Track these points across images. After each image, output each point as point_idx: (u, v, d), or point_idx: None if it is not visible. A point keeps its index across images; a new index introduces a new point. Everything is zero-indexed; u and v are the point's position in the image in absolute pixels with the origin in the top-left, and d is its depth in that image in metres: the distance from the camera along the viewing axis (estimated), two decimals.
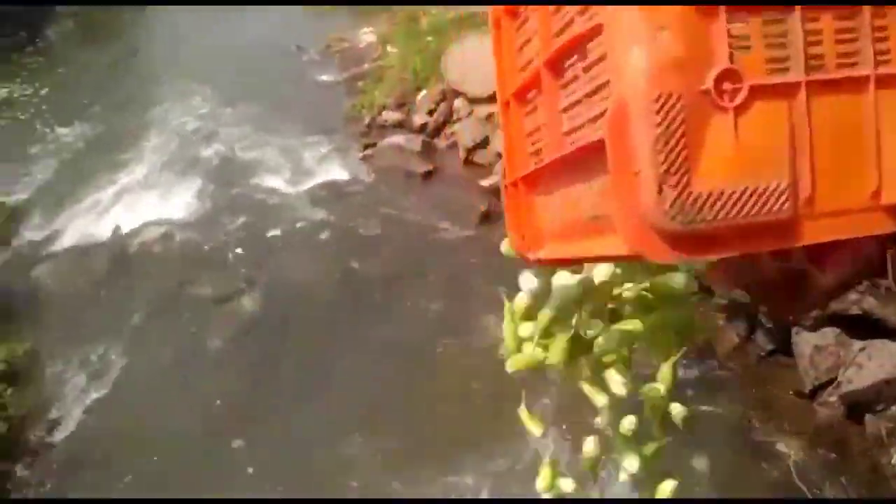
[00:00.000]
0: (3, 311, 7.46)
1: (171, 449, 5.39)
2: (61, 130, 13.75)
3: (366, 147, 9.45)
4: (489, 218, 7.05)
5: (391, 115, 9.83)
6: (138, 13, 24.50)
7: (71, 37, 22.38)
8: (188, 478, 5.09)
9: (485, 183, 7.46)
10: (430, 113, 9.27)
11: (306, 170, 9.37)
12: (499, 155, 7.76)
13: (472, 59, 9.07)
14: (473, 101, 8.59)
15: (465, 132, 8.34)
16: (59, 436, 5.72)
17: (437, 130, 9.01)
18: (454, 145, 8.58)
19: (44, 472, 5.41)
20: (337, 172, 9.06)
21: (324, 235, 7.73)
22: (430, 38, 10.78)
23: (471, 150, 8.14)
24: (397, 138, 9.19)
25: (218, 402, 5.78)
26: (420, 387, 5.55)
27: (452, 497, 4.71)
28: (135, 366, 6.35)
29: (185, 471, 5.17)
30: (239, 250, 7.87)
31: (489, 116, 8.23)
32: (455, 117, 8.89)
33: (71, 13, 28.58)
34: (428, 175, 8.25)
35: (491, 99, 8.29)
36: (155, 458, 5.35)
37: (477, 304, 5.97)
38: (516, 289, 1.57)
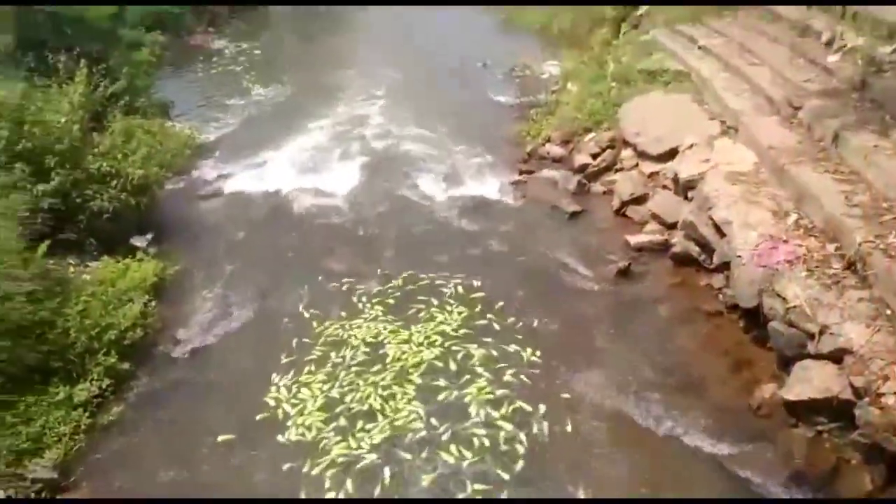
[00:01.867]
0: (167, 233, 8.18)
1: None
2: (258, 89, 14.97)
3: (521, 173, 9.42)
4: (627, 276, 6.73)
5: (554, 149, 9.73)
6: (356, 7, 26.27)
7: (290, 10, 24.44)
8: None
9: (632, 239, 7.14)
10: (594, 156, 9.06)
11: (459, 179, 9.49)
12: (653, 215, 7.42)
13: (651, 115, 8.78)
14: (642, 155, 8.29)
15: (624, 183, 8.05)
16: (179, 353, 6.14)
17: (596, 175, 8.79)
18: (609, 193, 8.33)
19: (159, 382, 5.81)
20: (487, 189, 9.09)
21: (457, 243, 7.71)
22: (613, 84, 10.57)
23: (625, 203, 7.84)
24: (554, 172, 9.07)
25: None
26: None
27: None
28: (258, 315, 6.68)
29: None
30: (376, 232, 8.07)
31: (653, 174, 7.91)
32: (618, 166, 8.63)
33: None
34: (574, 215, 8.04)
35: (661, 157, 7.99)
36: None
37: (584, 361, 5.72)
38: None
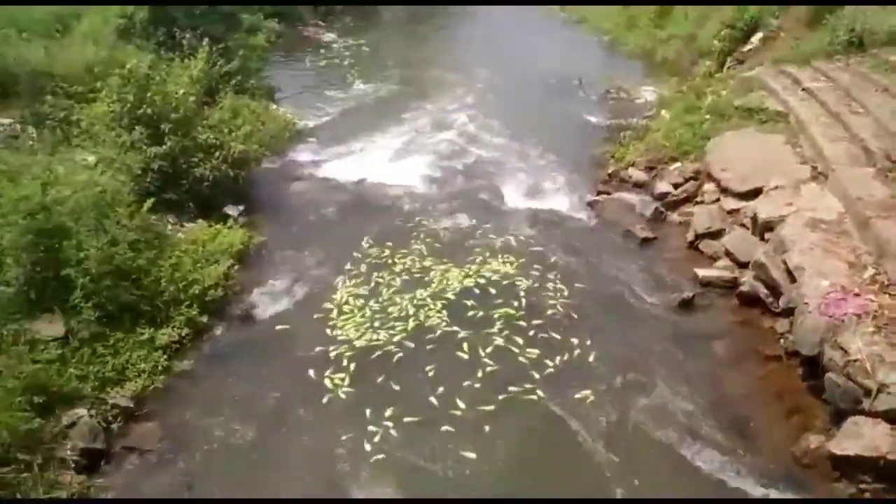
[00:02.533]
0: (257, 206, 8.78)
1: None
2: (360, 83, 15.64)
3: (599, 193, 9.46)
4: (690, 307, 6.69)
5: (636, 174, 9.71)
6: (464, 10, 26.88)
7: (400, 11, 25.28)
8: None
9: (701, 273, 7.08)
10: (676, 186, 9.00)
11: (538, 191, 9.65)
12: (726, 251, 7.33)
13: (741, 151, 8.63)
14: (725, 190, 8.16)
15: (702, 216, 7.97)
16: (252, 313, 6.66)
17: (675, 205, 8.72)
18: (685, 224, 8.26)
19: (232, 337, 6.32)
20: (564, 204, 9.21)
21: (526, 251, 7.87)
22: (707, 117, 10.43)
23: (700, 236, 7.77)
24: (633, 196, 9.08)
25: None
26: None
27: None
28: (322, 292, 7.11)
29: None
30: (447, 235, 8.33)
31: (733, 211, 7.79)
32: (698, 199, 8.54)
33: None
34: (646, 241, 8.03)
35: (744, 195, 7.87)
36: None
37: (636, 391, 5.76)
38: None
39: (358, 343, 6.22)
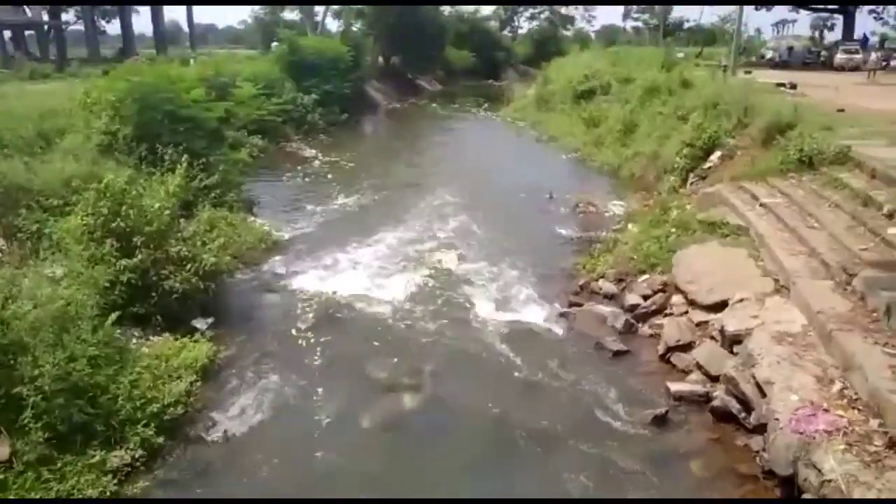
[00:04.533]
0: (227, 319, 8.66)
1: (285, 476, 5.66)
2: (339, 197, 16.05)
3: (571, 305, 9.50)
4: (664, 424, 6.54)
5: (606, 286, 9.82)
6: (446, 119, 28.10)
7: (380, 125, 26.50)
8: None
9: (674, 387, 6.98)
10: (645, 298, 9.08)
11: (510, 304, 9.66)
12: (698, 364, 7.29)
13: (706, 264, 8.82)
14: (692, 303, 8.26)
15: (672, 329, 7.98)
16: (212, 435, 6.34)
17: (645, 317, 8.76)
18: (656, 337, 8.25)
19: (188, 461, 5.99)
20: (536, 316, 9.20)
21: (499, 366, 7.80)
22: (673, 230, 10.74)
23: (671, 349, 7.74)
24: (604, 308, 9.12)
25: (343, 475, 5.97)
26: None
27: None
28: (291, 415, 6.88)
29: None
30: (418, 348, 8.26)
31: (701, 324, 7.83)
32: (667, 311, 8.60)
33: (391, 110, 33.74)
34: (618, 355, 7.98)
35: (711, 308, 7.95)
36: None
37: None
38: None
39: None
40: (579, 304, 9.49)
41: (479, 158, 21.62)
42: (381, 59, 45.72)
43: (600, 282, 10.04)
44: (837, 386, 5.57)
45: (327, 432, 6.58)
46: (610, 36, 73.77)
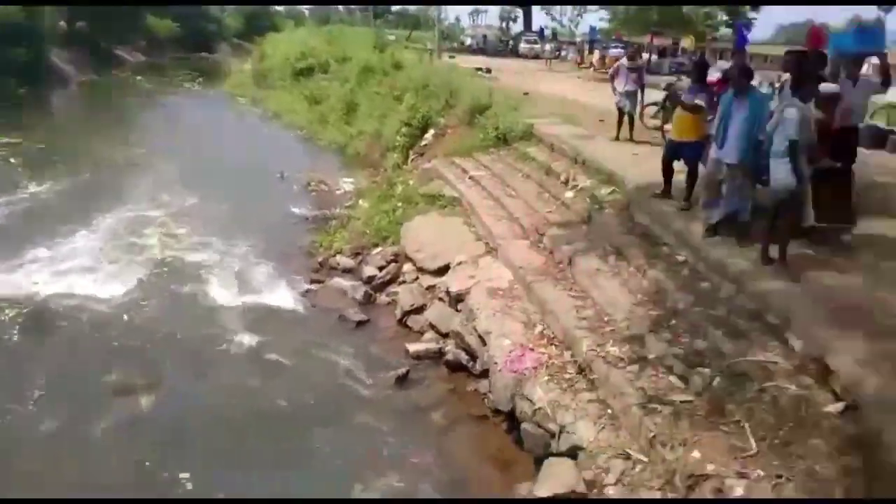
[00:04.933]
0: None
1: None
2: (31, 185, 13.52)
3: (312, 282, 9.49)
4: (406, 382, 6.97)
5: (344, 261, 10.01)
6: (151, 97, 25.15)
7: (74, 101, 22.77)
8: None
9: (412, 347, 7.46)
10: (380, 269, 9.49)
11: (250, 287, 9.26)
12: (431, 324, 7.88)
13: (430, 234, 9.52)
14: (421, 269, 8.87)
15: (406, 295, 8.49)
16: None
17: (382, 286, 9.16)
18: (393, 304, 8.70)
19: None
20: (278, 298, 8.97)
21: (243, 351, 7.49)
22: (399, 204, 11.33)
23: (407, 313, 8.24)
24: (344, 282, 9.29)
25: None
26: None
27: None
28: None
29: None
30: (151, 345, 7.51)
31: (430, 287, 8.46)
32: (401, 279, 9.10)
33: (86, 83, 29.32)
34: (361, 324, 8.24)
35: (436, 272, 8.61)
36: None
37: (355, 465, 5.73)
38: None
39: None
40: (320, 281, 9.52)
41: (202, 136, 20.01)
42: (63, 23, 38.69)
43: (338, 257, 10.18)
44: (539, 328, 6.51)
45: (49, 446, 5.64)
46: (323, 15, 73.61)
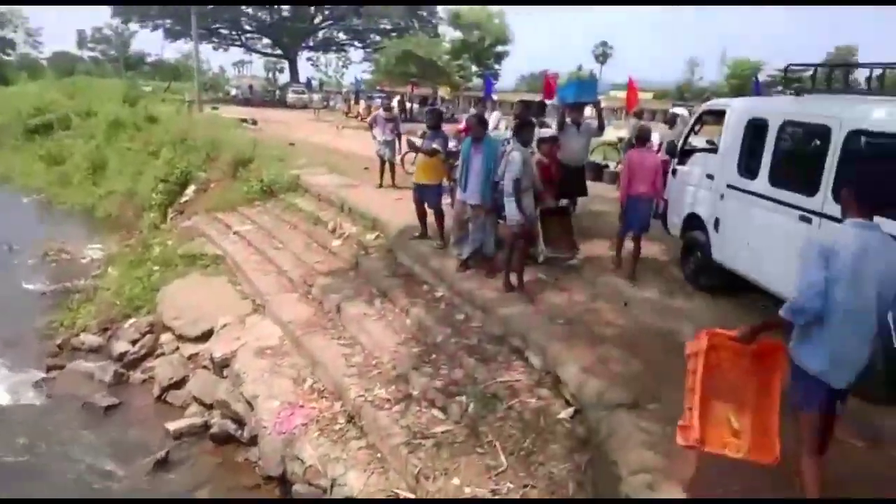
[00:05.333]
0: None
1: None
2: None
3: (49, 369, 8.20)
4: (166, 465, 6.29)
5: (90, 339, 8.85)
6: None
7: None
8: None
9: (172, 426, 6.77)
10: (134, 343, 8.56)
11: None
12: (194, 397, 7.27)
13: (190, 297, 8.87)
14: (181, 337, 8.19)
15: (164, 368, 7.74)
16: None
17: (136, 362, 8.25)
18: (150, 381, 7.87)
19: None
20: (3, 394, 7.60)
21: None
22: (155, 269, 10.42)
23: (166, 388, 7.50)
24: (89, 364, 8.17)
25: None
26: None
27: None
28: None
29: None
30: None
31: (192, 356, 7.85)
32: (159, 352, 8.30)
33: None
34: (111, 409, 7.29)
35: (198, 339, 8.03)
36: None
37: None
38: None
39: None
40: (60, 366, 8.28)
41: None
42: None
43: (82, 336, 8.98)
44: (309, 382, 6.38)
45: None
46: (66, 65, 66.21)
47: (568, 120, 8.21)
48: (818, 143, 5.04)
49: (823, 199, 4.80)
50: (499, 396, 5.13)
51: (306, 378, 6.48)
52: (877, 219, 3.05)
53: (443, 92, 32.85)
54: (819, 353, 3.04)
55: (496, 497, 4.22)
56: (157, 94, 31.36)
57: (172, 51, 77.05)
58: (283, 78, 59.83)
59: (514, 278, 6.58)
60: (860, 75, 6.72)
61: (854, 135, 4.60)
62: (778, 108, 5.75)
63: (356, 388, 5.79)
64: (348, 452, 5.31)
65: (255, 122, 23.13)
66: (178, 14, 40.89)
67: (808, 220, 4.93)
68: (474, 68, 39.08)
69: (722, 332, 3.32)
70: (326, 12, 53.54)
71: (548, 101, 10.68)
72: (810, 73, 6.26)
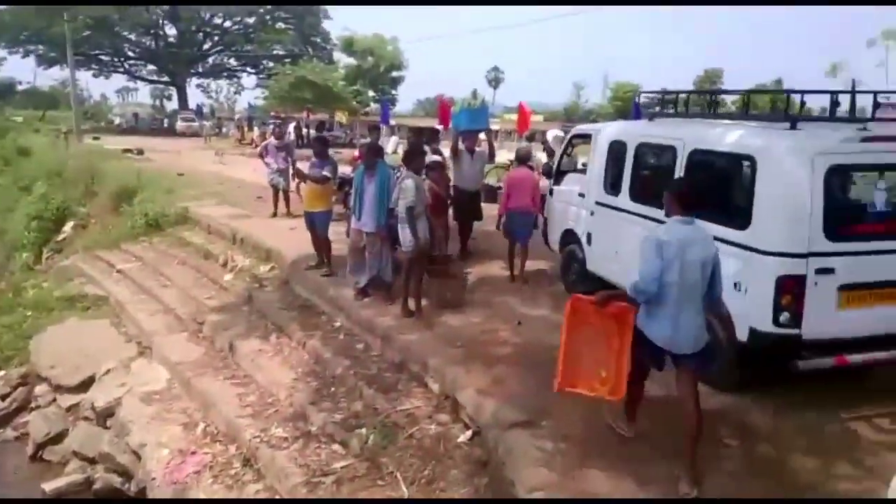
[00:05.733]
0: None
1: None
2: None
3: None
4: None
5: None
6: None
7: None
8: None
9: (49, 486, 6.19)
10: (4, 397, 7.80)
11: None
12: (74, 452, 6.70)
13: (68, 343, 8.19)
14: (58, 388, 7.54)
15: (39, 423, 7.09)
16: None
17: (7, 419, 7.52)
18: (24, 437, 7.19)
19: None
20: None
21: None
22: (28, 314, 9.56)
23: (42, 445, 6.87)
24: None
25: None
26: None
27: None
28: None
29: None
30: None
31: (72, 407, 7.24)
32: (33, 405, 7.60)
33: None
34: None
35: (79, 388, 7.44)
36: None
37: None
38: None
39: None
40: None
41: None
42: None
43: None
44: (201, 426, 6.04)
45: None
46: None
47: (462, 147, 8.35)
48: (667, 161, 5.57)
49: None
50: (399, 425, 5.09)
51: (198, 422, 6.14)
52: None
53: (340, 117, 32.68)
54: (663, 326, 3.73)
55: None
56: (30, 124, 29.08)
57: (47, 78, 71.65)
58: (172, 105, 57.28)
59: (412, 303, 6.59)
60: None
61: (695, 153, 5.22)
62: (634, 132, 6.31)
63: (251, 429, 5.55)
64: (246, 495, 5.07)
65: (141, 152, 21.95)
66: (51, 40, 38.20)
67: None
68: (371, 93, 39.23)
69: (585, 298, 4.09)
70: (216, 38, 52.05)
71: (441, 128, 10.90)
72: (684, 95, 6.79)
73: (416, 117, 40.71)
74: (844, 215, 4.66)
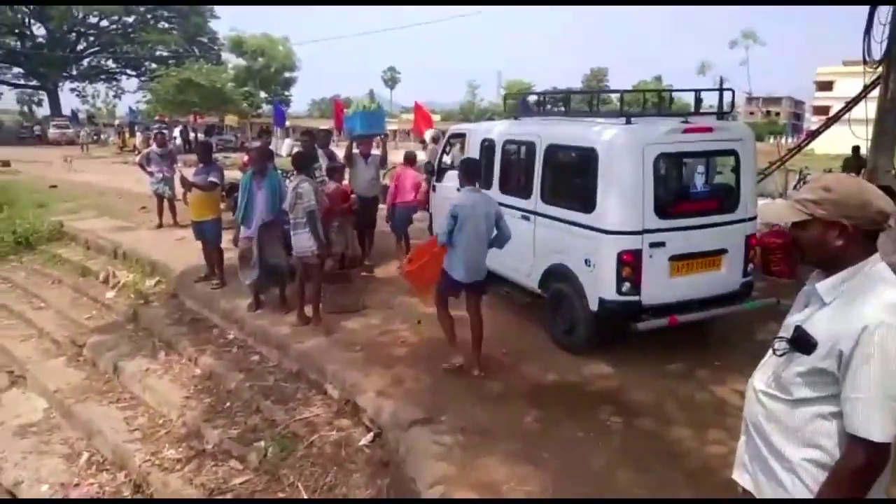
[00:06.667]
0: None
1: None
2: None
3: None
4: None
5: None
6: None
7: None
8: None
9: None
10: None
11: None
12: None
13: None
14: None
15: None
16: None
17: None
18: None
19: None
20: None
21: None
22: None
23: None
24: None
25: None
26: None
27: None
28: None
29: None
30: None
31: None
32: None
33: None
34: None
35: None
36: None
37: None
38: None
39: None
40: None
41: None
42: None
43: None
44: (85, 456, 5.62)
45: None
46: None
47: (356, 151, 8.18)
48: (529, 155, 6.02)
49: (536, 201, 5.83)
50: (299, 435, 4.98)
51: (82, 452, 5.71)
52: None
53: (230, 121, 31.39)
54: (459, 266, 5.03)
55: None
56: None
57: None
58: (43, 111, 52.71)
59: (308, 310, 6.46)
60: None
61: (550, 147, 5.75)
62: (501, 130, 6.70)
63: (141, 454, 5.25)
64: None
65: (7, 164, 20.08)
66: None
67: (528, 219, 5.91)
68: (263, 95, 37.99)
69: (421, 245, 6.02)
70: (91, 38, 48.41)
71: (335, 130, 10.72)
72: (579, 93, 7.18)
73: (312, 118, 39.84)
74: (671, 196, 5.39)
